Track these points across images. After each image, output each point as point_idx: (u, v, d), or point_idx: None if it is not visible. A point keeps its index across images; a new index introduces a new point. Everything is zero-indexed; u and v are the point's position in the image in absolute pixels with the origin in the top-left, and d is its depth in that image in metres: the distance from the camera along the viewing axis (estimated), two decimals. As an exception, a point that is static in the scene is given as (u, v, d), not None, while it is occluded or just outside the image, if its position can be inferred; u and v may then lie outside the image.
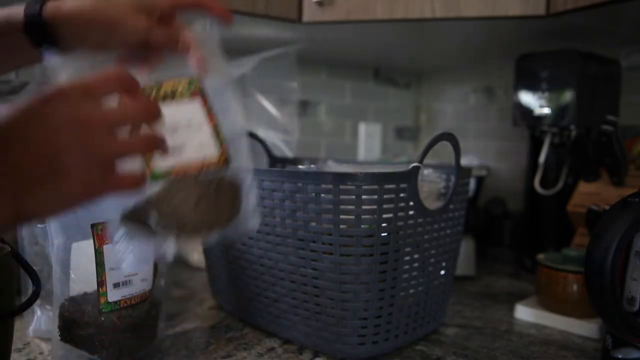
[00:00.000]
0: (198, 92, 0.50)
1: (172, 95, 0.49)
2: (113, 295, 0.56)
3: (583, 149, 0.90)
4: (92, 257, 0.54)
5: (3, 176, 0.33)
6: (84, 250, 0.54)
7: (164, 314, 0.65)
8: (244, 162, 0.51)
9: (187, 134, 0.48)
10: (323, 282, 0.59)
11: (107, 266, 0.55)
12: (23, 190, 0.33)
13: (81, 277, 0.55)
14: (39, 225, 0.60)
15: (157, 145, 0.41)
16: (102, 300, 0.55)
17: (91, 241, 0.54)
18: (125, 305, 0.56)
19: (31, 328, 0.65)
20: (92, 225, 0.54)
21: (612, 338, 0.60)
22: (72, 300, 0.55)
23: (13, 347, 0.56)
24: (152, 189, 0.45)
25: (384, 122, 1.52)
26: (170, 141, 0.43)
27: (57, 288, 0.54)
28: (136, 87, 0.41)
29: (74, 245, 0.54)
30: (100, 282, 0.55)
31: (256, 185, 0.62)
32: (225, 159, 0.49)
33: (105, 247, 0.55)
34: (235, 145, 0.51)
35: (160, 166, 0.45)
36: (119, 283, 0.56)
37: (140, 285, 0.58)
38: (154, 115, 0.41)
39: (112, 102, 0.39)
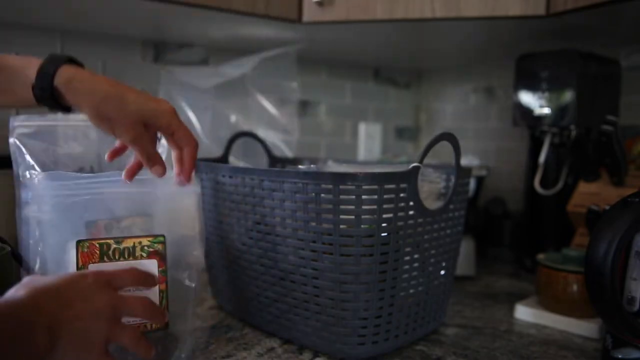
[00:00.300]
0: (156, 254, 0.55)
1: (132, 253, 0.54)
2: None
3: (583, 149, 0.90)
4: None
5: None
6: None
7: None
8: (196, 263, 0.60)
9: (135, 293, 0.53)
10: (323, 282, 0.59)
11: None
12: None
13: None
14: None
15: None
16: None
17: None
18: None
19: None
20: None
21: (612, 338, 0.60)
22: None
23: (13, 347, 0.56)
24: None
25: (384, 122, 1.52)
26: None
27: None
28: (150, 281, 0.52)
29: (69, 245, 0.54)
30: None
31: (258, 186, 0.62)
32: (164, 324, 0.55)
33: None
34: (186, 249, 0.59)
35: None
36: None
37: None
38: (159, 318, 0.50)
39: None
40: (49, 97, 0.54)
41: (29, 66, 0.54)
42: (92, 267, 0.52)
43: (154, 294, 0.54)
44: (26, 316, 0.40)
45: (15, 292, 0.41)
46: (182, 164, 0.59)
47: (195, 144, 0.60)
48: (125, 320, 0.50)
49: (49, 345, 0.40)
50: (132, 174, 0.58)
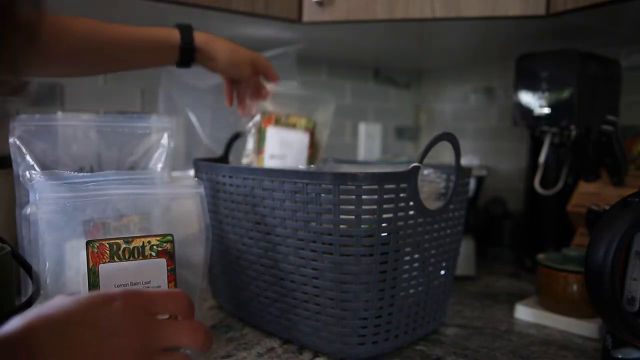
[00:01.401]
0: (165, 253, 0.55)
1: (141, 252, 0.54)
2: None
3: (583, 149, 0.90)
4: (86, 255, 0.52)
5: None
6: (77, 250, 0.53)
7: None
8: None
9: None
10: (323, 282, 0.59)
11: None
12: None
13: (76, 277, 0.54)
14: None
15: None
16: None
17: (83, 240, 0.53)
18: None
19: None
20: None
21: (612, 338, 0.60)
22: None
23: (13, 347, 0.56)
24: None
25: (384, 122, 1.52)
26: None
27: (52, 286, 0.54)
28: (191, 312, 0.43)
29: (68, 245, 0.53)
30: None
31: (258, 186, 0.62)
32: None
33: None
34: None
35: None
36: None
37: None
38: (204, 344, 0.41)
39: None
40: (189, 56, 0.76)
41: (170, 34, 0.74)
42: (103, 267, 0.52)
43: None
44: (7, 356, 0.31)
45: (15, 321, 0.34)
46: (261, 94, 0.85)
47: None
48: None
49: None
50: (231, 99, 0.86)
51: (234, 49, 0.79)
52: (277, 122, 0.84)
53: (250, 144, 0.86)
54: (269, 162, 0.84)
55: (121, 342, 0.35)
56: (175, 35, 0.75)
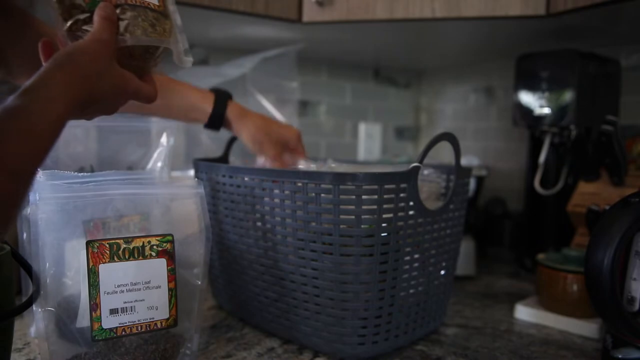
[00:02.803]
0: (165, 253, 0.55)
1: (141, 252, 0.54)
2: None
3: (583, 149, 0.90)
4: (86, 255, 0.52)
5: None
6: (77, 250, 0.53)
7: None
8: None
9: (146, 291, 0.54)
10: (323, 282, 0.59)
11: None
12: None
13: (76, 277, 0.54)
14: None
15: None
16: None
17: (83, 240, 0.53)
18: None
19: (31, 328, 0.65)
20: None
21: (612, 338, 0.60)
22: (68, 298, 0.54)
23: (13, 347, 0.56)
24: None
25: (384, 122, 1.52)
26: (125, 297, 0.52)
27: (52, 286, 0.54)
28: None
29: (68, 245, 0.53)
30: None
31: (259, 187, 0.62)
32: (173, 322, 0.55)
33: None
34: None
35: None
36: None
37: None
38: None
39: None
40: (218, 124, 0.77)
41: (205, 99, 0.76)
42: (103, 267, 0.52)
43: (163, 292, 0.54)
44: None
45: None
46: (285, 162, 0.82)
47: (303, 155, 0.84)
48: (129, 321, 0.52)
49: None
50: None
51: (263, 126, 0.79)
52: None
53: None
54: None
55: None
56: (209, 101, 0.76)
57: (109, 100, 0.47)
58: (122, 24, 0.49)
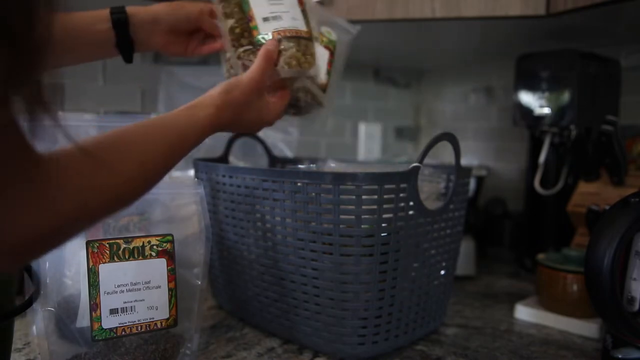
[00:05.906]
0: (165, 253, 0.56)
1: (141, 252, 0.54)
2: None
3: (583, 149, 0.90)
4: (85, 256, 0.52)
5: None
6: (76, 250, 0.53)
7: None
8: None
9: (146, 291, 0.54)
10: (323, 282, 0.59)
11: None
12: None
13: (76, 277, 0.54)
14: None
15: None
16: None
17: (83, 240, 0.53)
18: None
19: (32, 328, 0.65)
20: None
21: (612, 338, 0.60)
22: (67, 298, 0.54)
23: (13, 347, 0.56)
24: None
25: (384, 122, 1.52)
26: (125, 297, 0.53)
27: (52, 286, 0.54)
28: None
29: (68, 245, 0.53)
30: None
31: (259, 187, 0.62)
32: (173, 321, 0.55)
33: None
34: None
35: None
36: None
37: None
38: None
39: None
40: (124, 30, 0.63)
41: (99, 15, 0.63)
42: (103, 267, 0.52)
43: (163, 292, 0.55)
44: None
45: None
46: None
47: None
48: (129, 320, 0.52)
49: None
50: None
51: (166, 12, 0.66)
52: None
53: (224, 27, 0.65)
54: (264, 26, 0.63)
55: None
56: (105, 11, 0.63)
57: (251, 124, 0.59)
58: (280, 59, 0.60)
